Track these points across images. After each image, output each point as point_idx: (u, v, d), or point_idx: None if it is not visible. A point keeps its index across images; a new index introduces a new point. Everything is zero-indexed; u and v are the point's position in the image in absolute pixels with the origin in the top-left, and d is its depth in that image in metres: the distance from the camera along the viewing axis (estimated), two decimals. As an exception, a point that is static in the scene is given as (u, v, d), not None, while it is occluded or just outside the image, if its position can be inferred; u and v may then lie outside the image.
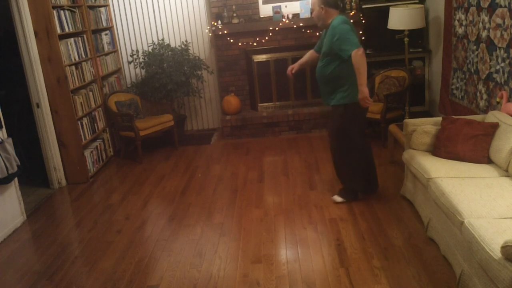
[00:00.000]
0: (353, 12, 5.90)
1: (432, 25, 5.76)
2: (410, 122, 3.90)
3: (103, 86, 5.82)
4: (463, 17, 4.64)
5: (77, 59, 5.17)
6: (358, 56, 3.48)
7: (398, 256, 3.13)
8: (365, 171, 3.97)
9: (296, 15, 6.02)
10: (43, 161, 4.97)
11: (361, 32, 6.03)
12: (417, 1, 5.76)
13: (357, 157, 3.87)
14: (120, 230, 3.94)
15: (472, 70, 4.52)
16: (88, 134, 5.29)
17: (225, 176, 4.93)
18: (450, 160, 3.50)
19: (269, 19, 6.11)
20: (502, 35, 3.87)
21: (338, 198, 4.02)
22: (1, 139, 3.99)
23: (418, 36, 5.82)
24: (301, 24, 5.97)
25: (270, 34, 6.11)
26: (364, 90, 3.54)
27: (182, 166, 5.37)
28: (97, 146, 5.44)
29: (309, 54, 4.15)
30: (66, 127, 4.95)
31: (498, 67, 3.99)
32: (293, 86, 6.36)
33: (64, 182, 5.08)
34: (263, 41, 6.17)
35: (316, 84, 6.43)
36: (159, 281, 3.12)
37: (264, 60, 6.30)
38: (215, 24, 6.06)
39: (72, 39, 5.09)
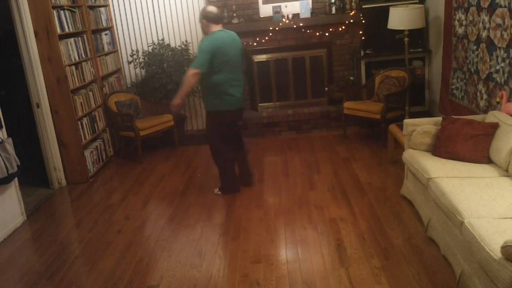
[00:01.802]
0: (353, 12, 5.90)
1: (432, 25, 5.76)
2: (410, 122, 3.90)
3: (103, 86, 5.82)
4: (463, 17, 4.64)
5: (77, 59, 5.17)
6: (189, 75, 3.96)
7: (398, 256, 3.13)
8: (234, 169, 4.44)
9: (296, 15, 6.02)
10: (43, 161, 4.97)
11: (361, 32, 6.04)
12: (417, 1, 5.76)
13: (223, 159, 4.34)
14: (120, 230, 3.94)
15: (472, 70, 4.52)
16: (88, 134, 5.29)
17: (225, 176, 4.93)
18: (450, 160, 3.50)
19: (269, 19, 6.11)
20: (502, 35, 3.87)
21: (216, 190, 4.48)
22: (1, 139, 3.99)
23: (418, 36, 5.82)
24: (301, 24, 5.97)
25: (270, 34, 6.11)
26: (177, 99, 4.08)
27: (182, 166, 5.37)
28: (97, 146, 5.44)
29: None
30: (66, 127, 4.95)
31: (498, 67, 3.99)
32: (293, 86, 6.38)
33: (64, 182, 5.08)
34: (263, 41, 6.17)
35: (316, 84, 6.48)
36: (159, 281, 3.12)
37: (264, 60, 6.30)
38: (215, 24, 6.06)
39: (72, 39, 5.09)
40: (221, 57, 3.98)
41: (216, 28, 4.10)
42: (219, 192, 4.46)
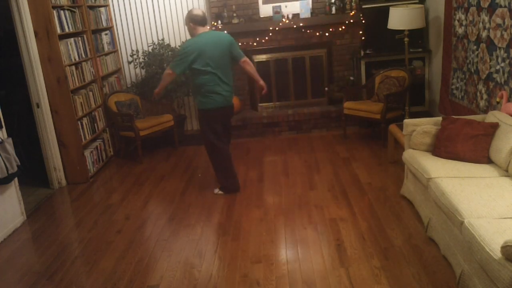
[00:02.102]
0: (353, 12, 5.90)
1: (432, 25, 5.76)
2: (410, 122, 3.90)
3: (103, 86, 5.82)
4: (463, 17, 4.64)
5: (77, 59, 5.17)
6: (165, 73, 4.31)
7: (398, 256, 3.13)
8: (233, 167, 4.47)
9: (296, 15, 6.02)
10: (43, 161, 4.97)
11: (361, 32, 6.04)
12: (417, 1, 5.76)
13: (218, 157, 4.38)
14: (120, 230, 3.94)
15: (472, 70, 4.52)
16: (88, 134, 5.29)
17: (225, 176, 4.93)
18: (450, 160, 3.50)
19: (269, 19, 6.11)
20: (502, 35, 3.87)
21: (216, 190, 4.52)
22: (1, 139, 3.99)
23: (418, 36, 5.82)
24: (301, 24, 5.97)
25: (270, 34, 6.11)
26: (157, 89, 4.46)
27: (182, 166, 5.37)
28: (97, 146, 5.44)
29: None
30: (66, 127, 4.95)
31: (498, 67, 3.99)
32: (293, 86, 6.38)
33: (64, 182, 5.08)
34: (263, 41, 6.17)
35: (316, 84, 6.48)
36: (159, 281, 3.12)
37: (264, 60, 6.30)
38: (215, 24, 6.06)
39: (72, 39, 5.09)
40: (202, 59, 4.10)
41: (202, 30, 4.24)
42: (220, 192, 4.47)
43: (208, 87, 4.17)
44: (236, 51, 4.32)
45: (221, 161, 4.38)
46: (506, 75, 3.86)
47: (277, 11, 5.99)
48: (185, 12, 6.36)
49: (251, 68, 4.42)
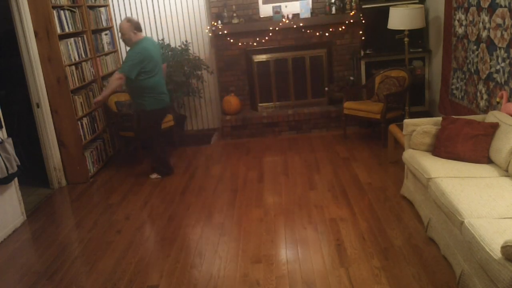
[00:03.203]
0: (353, 12, 5.91)
1: (432, 25, 5.76)
2: (410, 122, 3.90)
3: (103, 86, 5.82)
4: (463, 17, 4.64)
5: (77, 59, 5.17)
6: (114, 78, 4.58)
7: (398, 256, 3.14)
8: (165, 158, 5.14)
9: (296, 15, 6.02)
10: (43, 161, 4.97)
11: (361, 32, 6.04)
12: (417, 1, 5.76)
13: (158, 149, 4.97)
14: (120, 230, 3.94)
15: (472, 70, 4.52)
16: (88, 134, 5.29)
17: (225, 176, 4.94)
18: (450, 160, 3.50)
19: (269, 19, 6.11)
20: (502, 35, 3.87)
21: (153, 175, 5.05)
22: (1, 139, 3.99)
23: (418, 36, 5.82)
24: (301, 24, 5.97)
25: (270, 34, 6.11)
26: (100, 97, 4.77)
27: (182, 166, 5.37)
28: (97, 146, 5.44)
29: None
30: (66, 127, 4.95)
31: (498, 67, 3.99)
32: (293, 86, 6.38)
33: (64, 182, 5.08)
34: (263, 41, 6.17)
35: (316, 84, 6.47)
36: (159, 281, 3.12)
37: (264, 60, 6.30)
38: (215, 24, 6.06)
39: (72, 39, 5.09)
40: (151, 62, 4.59)
41: (142, 35, 4.71)
42: (158, 176, 5.02)
43: (157, 88, 4.68)
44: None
45: (160, 152, 4.97)
46: (506, 75, 3.86)
47: (277, 11, 6.00)
48: (185, 12, 6.37)
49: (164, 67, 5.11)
